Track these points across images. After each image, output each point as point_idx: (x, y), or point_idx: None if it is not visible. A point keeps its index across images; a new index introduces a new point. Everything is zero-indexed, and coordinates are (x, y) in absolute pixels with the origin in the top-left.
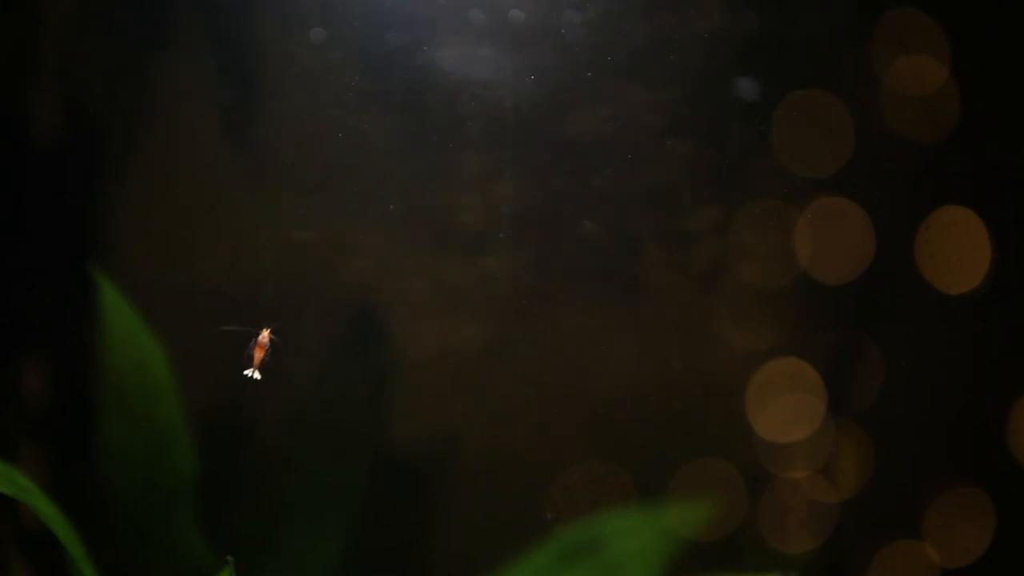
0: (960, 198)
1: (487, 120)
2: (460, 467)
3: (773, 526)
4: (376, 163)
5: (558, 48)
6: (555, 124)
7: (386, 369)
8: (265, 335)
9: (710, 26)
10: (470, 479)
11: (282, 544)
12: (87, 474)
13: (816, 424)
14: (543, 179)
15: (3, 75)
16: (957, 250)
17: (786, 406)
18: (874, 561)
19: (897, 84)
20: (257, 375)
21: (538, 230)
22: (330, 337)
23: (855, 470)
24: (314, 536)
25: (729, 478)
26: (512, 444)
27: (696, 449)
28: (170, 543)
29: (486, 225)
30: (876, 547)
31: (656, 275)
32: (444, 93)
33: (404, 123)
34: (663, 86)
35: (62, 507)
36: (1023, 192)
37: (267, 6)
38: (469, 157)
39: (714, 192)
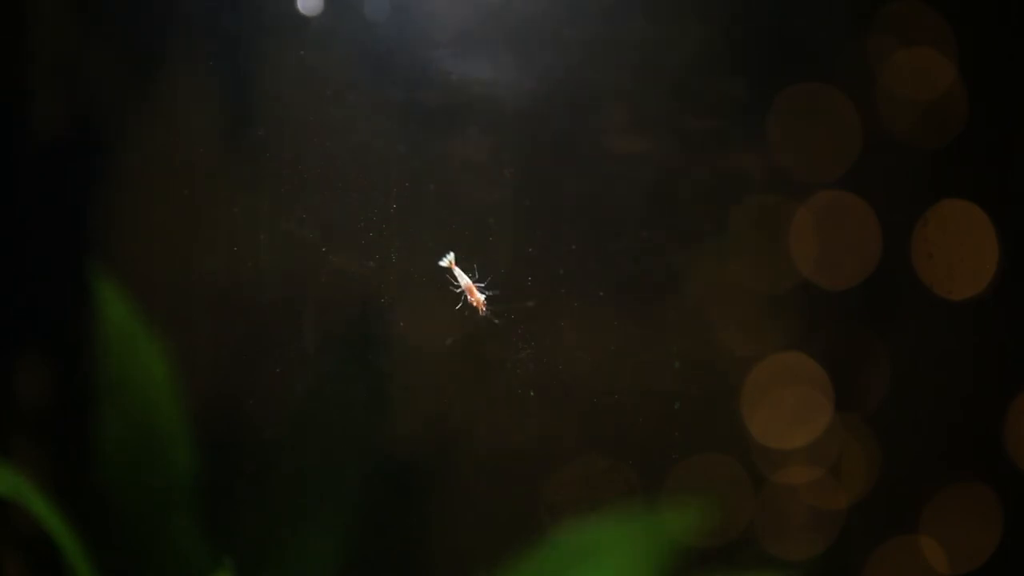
0: (966, 198)
1: (488, 119)
2: (460, 467)
3: (776, 527)
4: (376, 162)
5: (557, 47)
6: (555, 123)
7: (386, 369)
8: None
9: (711, 25)
10: (470, 479)
11: (282, 544)
12: (85, 474)
13: (821, 427)
14: (543, 178)
15: (3, 75)
16: (961, 251)
17: (790, 408)
18: (877, 561)
19: (908, 88)
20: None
21: (538, 230)
22: (330, 337)
23: (860, 472)
24: (314, 536)
25: (732, 479)
26: (512, 444)
27: (698, 450)
28: (169, 543)
29: (486, 225)
30: (880, 548)
31: (658, 275)
32: (443, 92)
33: (404, 122)
34: (667, 86)
35: (60, 507)
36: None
37: (267, 5)
38: (469, 157)
39: (717, 193)
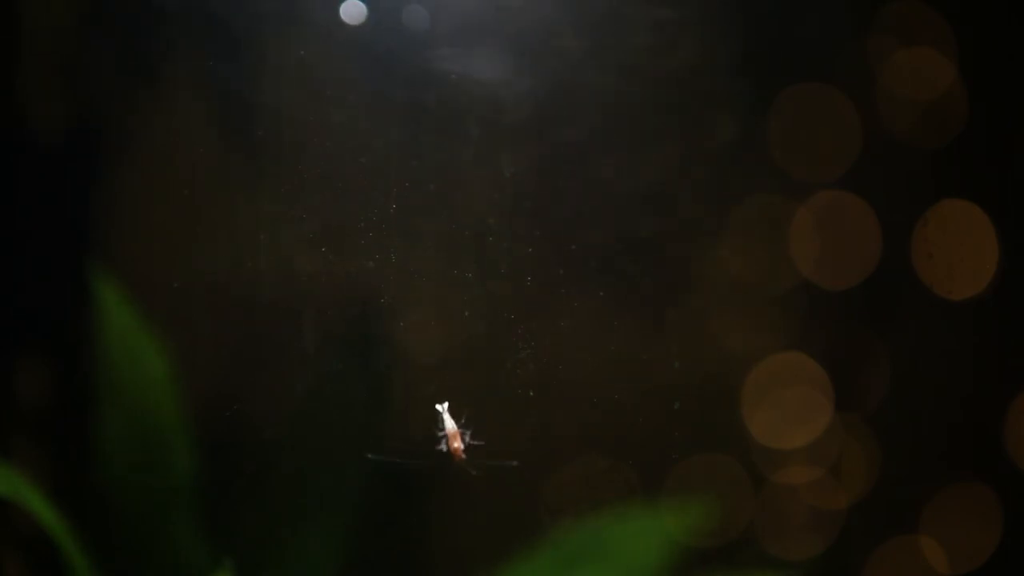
0: (966, 198)
1: (488, 119)
2: (460, 467)
3: (776, 527)
4: (375, 163)
5: (557, 47)
6: (556, 123)
7: (386, 369)
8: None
9: (712, 26)
10: (470, 479)
11: (282, 544)
12: (85, 474)
13: (821, 427)
14: (543, 179)
15: (3, 75)
16: (961, 251)
17: (790, 408)
18: (877, 561)
19: (908, 88)
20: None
21: (538, 230)
22: (330, 337)
23: (860, 472)
24: (314, 536)
25: (732, 479)
26: (512, 444)
27: (698, 450)
28: (169, 543)
29: (486, 225)
30: (880, 548)
31: (658, 276)
32: (443, 92)
33: (403, 122)
34: (668, 86)
35: (60, 507)
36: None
37: (267, 5)
38: (469, 157)
39: (717, 193)
